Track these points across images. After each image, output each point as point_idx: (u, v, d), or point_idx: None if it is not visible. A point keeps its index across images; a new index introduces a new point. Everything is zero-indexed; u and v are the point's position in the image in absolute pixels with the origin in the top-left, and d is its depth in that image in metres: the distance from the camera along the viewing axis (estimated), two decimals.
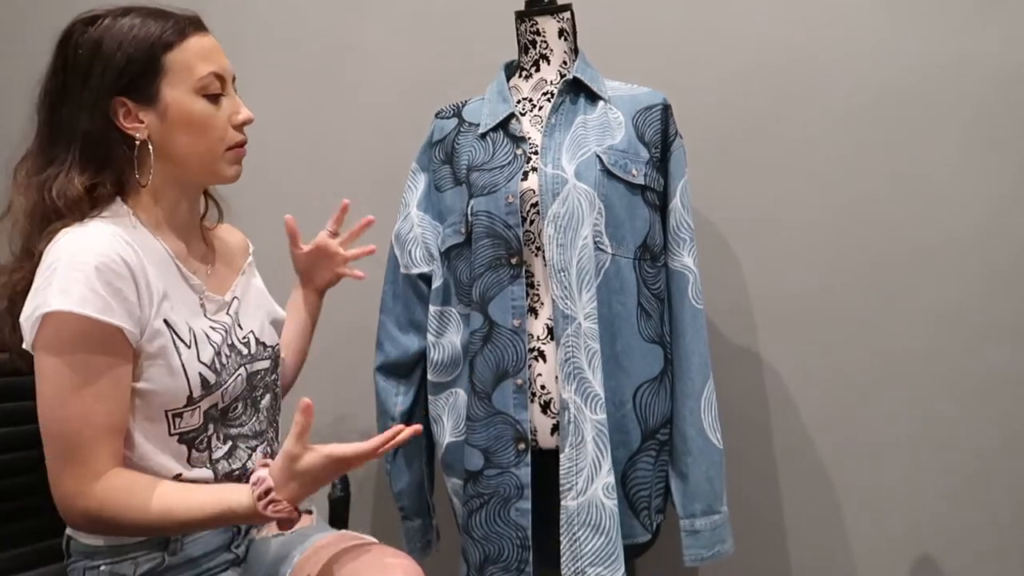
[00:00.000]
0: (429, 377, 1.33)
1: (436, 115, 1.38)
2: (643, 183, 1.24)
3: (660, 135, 1.27)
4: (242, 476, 1.05)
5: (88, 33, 0.98)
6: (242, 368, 1.06)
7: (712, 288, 1.45)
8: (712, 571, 1.49)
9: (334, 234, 1.29)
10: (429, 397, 1.33)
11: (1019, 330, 1.39)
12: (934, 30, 1.42)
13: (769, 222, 1.51)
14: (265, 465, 0.95)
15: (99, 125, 0.98)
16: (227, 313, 1.08)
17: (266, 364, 1.12)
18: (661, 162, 1.28)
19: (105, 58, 0.98)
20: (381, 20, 1.74)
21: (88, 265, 0.90)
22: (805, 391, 1.50)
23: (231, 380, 1.04)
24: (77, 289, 0.89)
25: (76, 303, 0.89)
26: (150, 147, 1.00)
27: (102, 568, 0.99)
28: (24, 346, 0.93)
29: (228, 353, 1.04)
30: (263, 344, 1.12)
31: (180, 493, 0.94)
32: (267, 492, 0.91)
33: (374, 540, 1.06)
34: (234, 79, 1.06)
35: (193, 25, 1.03)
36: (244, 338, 1.09)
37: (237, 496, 0.93)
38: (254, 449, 1.08)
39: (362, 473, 1.71)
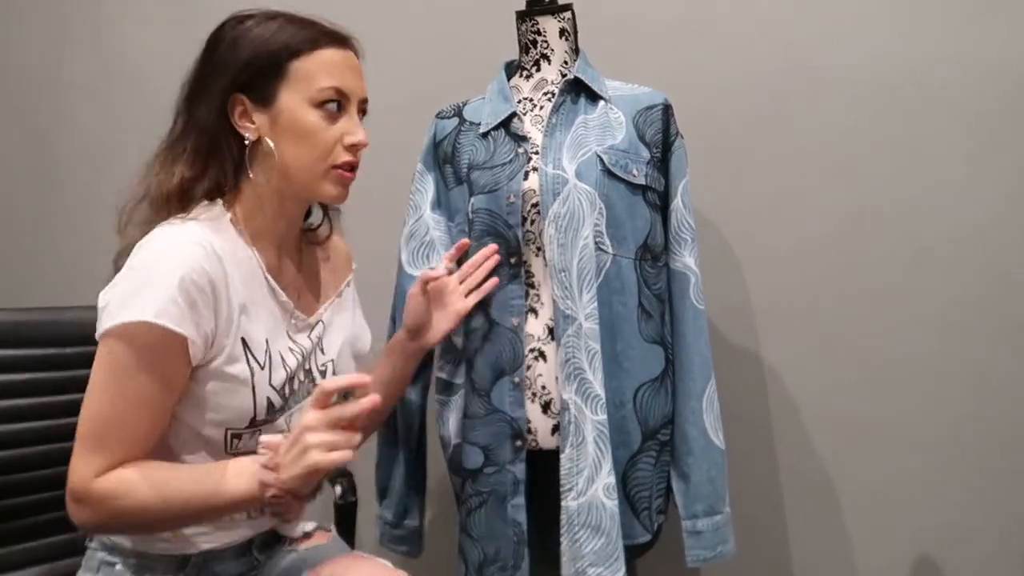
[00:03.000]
0: (437, 375, 1.32)
1: (437, 115, 1.38)
2: (644, 183, 1.24)
3: (661, 135, 1.27)
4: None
5: (235, 30, 0.99)
6: (311, 397, 1.01)
7: (713, 288, 1.45)
8: (714, 572, 1.49)
9: (450, 271, 1.20)
10: (437, 396, 1.32)
11: (1021, 331, 1.39)
12: (936, 30, 1.42)
13: (770, 222, 1.51)
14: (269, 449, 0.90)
15: (213, 119, 0.98)
16: (309, 336, 1.04)
17: (335, 398, 1.07)
18: (662, 162, 1.28)
19: (236, 54, 0.98)
20: (381, 20, 1.74)
21: (173, 276, 0.88)
22: (807, 391, 1.50)
23: (297, 407, 1.00)
24: (159, 301, 0.88)
25: (154, 314, 0.87)
26: (265, 148, 0.98)
27: (117, 567, 0.98)
28: (98, 330, 0.91)
29: (302, 379, 1.01)
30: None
31: (182, 483, 0.89)
32: (281, 495, 0.86)
33: (387, 563, 1.01)
34: (365, 103, 1.03)
35: (330, 38, 1.00)
36: (323, 366, 1.05)
37: (237, 485, 0.88)
38: None
39: (370, 477, 1.70)
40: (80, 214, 1.99)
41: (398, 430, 1.37)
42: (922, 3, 1.43)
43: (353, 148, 1.00)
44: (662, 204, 1.29)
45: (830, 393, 1.48)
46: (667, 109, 1.29)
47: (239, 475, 0.88)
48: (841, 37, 1.47)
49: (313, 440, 0.84)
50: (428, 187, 1.36)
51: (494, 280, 1.20)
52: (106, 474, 0.88)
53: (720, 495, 1.24)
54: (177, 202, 0.97)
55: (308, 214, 1.14)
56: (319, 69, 0.98)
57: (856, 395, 1.46)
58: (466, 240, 1.21)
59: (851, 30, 1.46)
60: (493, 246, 1.17)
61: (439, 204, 1.35)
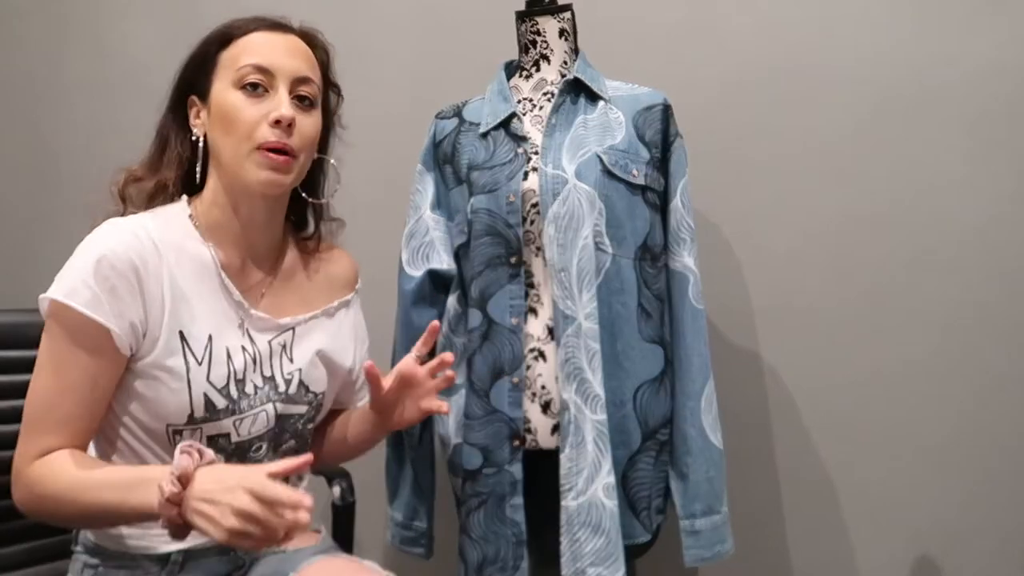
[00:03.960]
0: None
1: (436, 116, 1.38)
2: (644, 183, 1.24)
3: (661, 135, 1.27)
4: None
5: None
6: (270, 404, 1.00)
7: (713, 288, 1.45)
8: (712, 571, 1.49)
9: (420, 360, 1.05)
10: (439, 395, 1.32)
11: (1022, 331, 1.39)
12: (936, 30, 1.42)
13: (770, 222, 1.51)
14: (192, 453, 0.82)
15: (171, 121, 1.02)
16: (273, 341, 1.01)
17: (302, 410, 1.04)
18: (662, 162, 1.28)
19: (186, 58, 1.01)
20: (380, 20, 1.74)
21: (90, 258, 0.90)
22: (805, 391, 1.50)
23: (251, 413, 0.98)
24: (70, 280, 0.89)
25: (65, 293, 0.89)
26: (206, 145, 0.99)
27: (100, 569, 0.98)
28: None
29: (260, 384, 0.99)
30: (306, 387, 1.04)
31: (96, 478, 0.86)
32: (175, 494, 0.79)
33: (375, 566, 0.99)
34: (304, 83, 0.99)
35: (264, 25, 0.99)
36: (289, 374, 1.02)
37: (142, 498, 0.82)
38: None
39: (369, 479, 1.69)
40: (80, 214, 1.99)
41: (402, 432, 1.37)
42: (922, 3, 1.43)
43: (276, 124, 0.94)
44: (661, 204, 1.29)
45: (829, 393, 1.48)
46: (667, 109, 1.29)
47: (147, 491, 0.82)
48: (841, 37, 1.47)
49: (242, 505, 0.76)
50: (428, 187, 1.36)
51: (444, 406, 1.06)
52: (42, 458, 0.89)
53: (718, 495, 1.24)
54: (132, 203, 1.00)
55: (303, 224, 1.13)
56: (242, 52, 0.97)
57: (855, 395, 1.46)
58: (436, 324, 1.05)
59: (851, 30, 1.46)
60: (449, 355, 1.04)
61: (439, 204, 1.35)
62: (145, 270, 0.91)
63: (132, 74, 1.97)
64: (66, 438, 0.90)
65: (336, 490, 1.31)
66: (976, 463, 1.41)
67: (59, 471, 0.88)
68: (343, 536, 1.30)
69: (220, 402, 0.95)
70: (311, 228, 1.12)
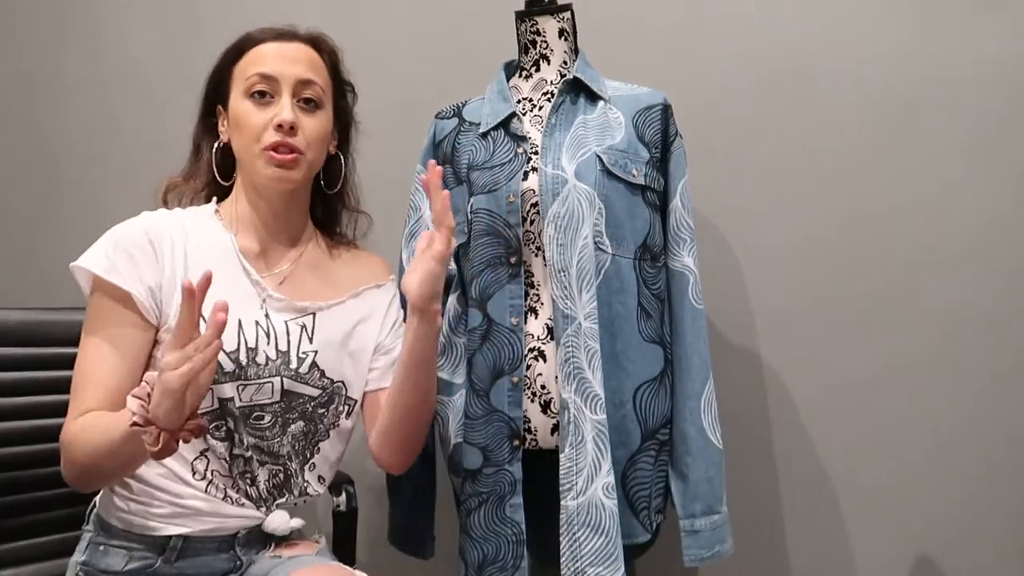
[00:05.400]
0: (440, 375, 1.32)
1: (436, 116, 1.38)
2: (643, 183, 1.24)
3: (660, 135, 1.27)
4: (246, 488, 1.05)
5: None
6: (278, 378, 1.05)
7: (712, 288, 1.45)
8: (712, 571, 1.49)
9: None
10: (437, 396, 1.32)
11: (1021, 331, 1.39)
12: (938, 29, 1.42)
13: (770, 222, 1.51)
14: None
15: (200, 131, 1.13)
16: (290, 321, 1.07)
17: (313, 392, 1.09)
18: (661, 162, 1.28)
19: (211, 70, 1.12)
20: (380, 20, 1.74)
21: (112, 233, 1.02)
22: (805, 391, 1.50)
23: (257, 382, 1.03)
24: (93, 251, 1.01)
25: (86, 261, 1.00)
26: (231, 149, 1.09)
27: (101, 548, 1.02)
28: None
29: (273, 357, 1.04)
30: (320, 371, 1.09)
31: (98, 420, 0.94)
32: (141, 421, 0.84)
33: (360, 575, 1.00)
34: (307, 85, 1.08)
35: (271, 36, 1.09)
36: (303, 353, 1.07)
37: (123, 424, 0.87)
38: (263, 465, 1.06)
39: (372, 484, 1.69)
40: (80, 214, 1.99)
41: None
42: (922, 3, 1.43)
43: (279, 128, 1.04)
44: (661, 204, 1.29)
45: (829, 393, 1.48)
46: (666, 109, 1.29)
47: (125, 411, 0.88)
48: (841, 37, 1.47)
49: (167, 361, 0.83)
50: None
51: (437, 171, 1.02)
52: (74, 423, 0.96)
53: (718, 495, 1.24)
54: (184, 204, 1.11)
55: (331, 217, 1.22)
56: (250, 63, 1.08)
57: (855, 395, 1.47)
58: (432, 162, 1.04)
59: (851, 30, 1.47)
60: (433, 165, 1.02)
61: None
62: (162, 243, 1.02)
63: (131, 74, 1.98)
64: (102, 403, 0.96)
65: (342, 497, 1.32)
66: (976, 463, 1.41)
67: (86, 421, 0.95)
68: (345, 542, 1.30)
69: (228, 365, 1.01)
70: (336, 220, 1.22)
